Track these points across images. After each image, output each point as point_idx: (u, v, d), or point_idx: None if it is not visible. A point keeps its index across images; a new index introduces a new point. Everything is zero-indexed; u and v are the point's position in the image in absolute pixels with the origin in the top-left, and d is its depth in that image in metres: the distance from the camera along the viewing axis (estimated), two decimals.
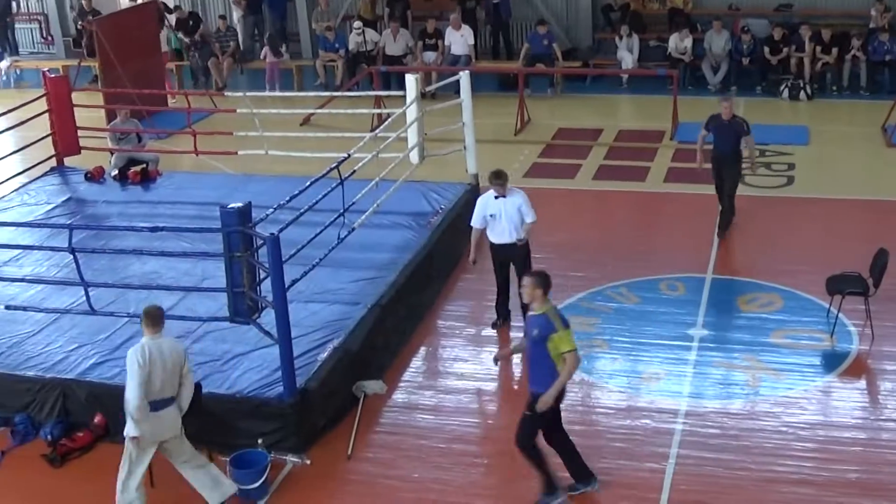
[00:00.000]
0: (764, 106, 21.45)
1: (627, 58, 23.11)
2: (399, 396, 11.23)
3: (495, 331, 12.52)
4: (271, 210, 10.70)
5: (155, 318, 9.15)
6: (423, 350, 12.28)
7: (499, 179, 12.10)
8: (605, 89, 23.11)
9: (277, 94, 20.67)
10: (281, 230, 10.09)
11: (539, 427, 9.27)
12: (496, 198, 12.11)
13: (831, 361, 11.65)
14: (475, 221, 12.29)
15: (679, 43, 22.89)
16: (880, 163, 17.93)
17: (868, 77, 22.14)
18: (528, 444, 9.26)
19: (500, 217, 12.09)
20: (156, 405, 9.01)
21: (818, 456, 10.00)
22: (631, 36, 23.25)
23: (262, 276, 10.30)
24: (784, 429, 10.43)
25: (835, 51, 22.20)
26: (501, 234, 12.15)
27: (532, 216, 12.17)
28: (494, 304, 12.62)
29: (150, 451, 9.17)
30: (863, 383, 11.37)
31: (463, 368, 11.83)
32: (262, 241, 10.03)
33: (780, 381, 11.28)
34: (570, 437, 9.53)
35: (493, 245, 12.31)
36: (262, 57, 24.12)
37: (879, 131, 19.21)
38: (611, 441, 10.38)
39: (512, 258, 12.26)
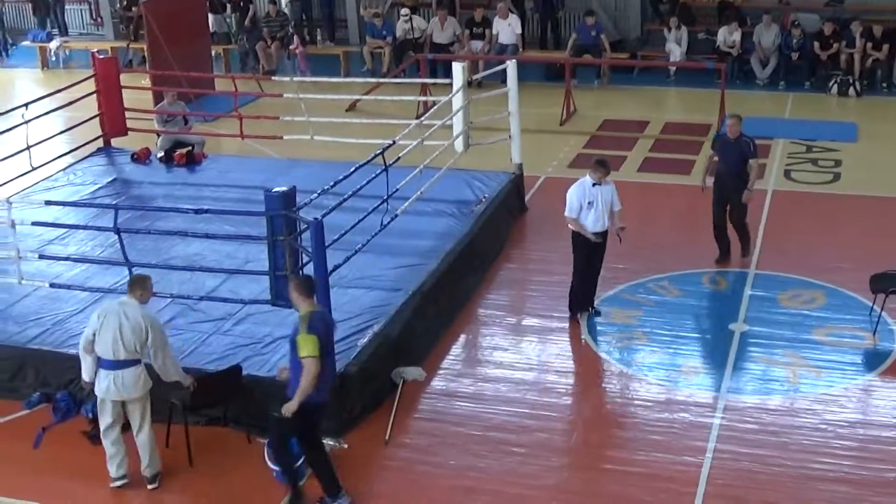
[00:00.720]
0: (812, 101, 21.32)
1: (676, 50, 23.01)
2: (438, 383, 11.26)
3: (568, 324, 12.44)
4: (315, 195, 10.76)
5: (132, 284, 9.58)
6: (463, 338, 12.30)
7: (604, 168, 12.06)
8: (653, 81, 22.98)
9: (324, 79, 20.62)
10: (324, 215, 10.16)
11: (288, 431, 9.16)
12: (594, 185, 12.05)
13: (873, 360, 11.56)
14: (573, 211, 12.04)
15: (728, 36, 22.74)
16: None
17: None
18: (277, 447, 9.26)
19: (597, 204, 12.04)
20: (107, 364, 9.25)
21: (857, 455, 9.93)
22: (680, 28, 23.15)
23: (304, 261, 10.36)
24: (823, 426, 10.36)
25: (886, 47, 21.95)
26: (596, 222, 12.08)
27: (620, 204, 12.20)
28: (573, 297, 12.42)
29: (111, 407, 9.40)
30: None
31: (502, 357, 11.84)
32: (305, 226, 10.09)
33: (821, 379, 11.21)
34: (325, 451, 9.45)
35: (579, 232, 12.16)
36: (291, 47, 24.08)
37: None
38: (648, 434, 10.36)
39: (602, 246, 12.28)
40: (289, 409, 8.91)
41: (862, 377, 11.30)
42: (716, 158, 13.77)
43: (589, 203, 11.99)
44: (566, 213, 12.09)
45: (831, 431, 10.29)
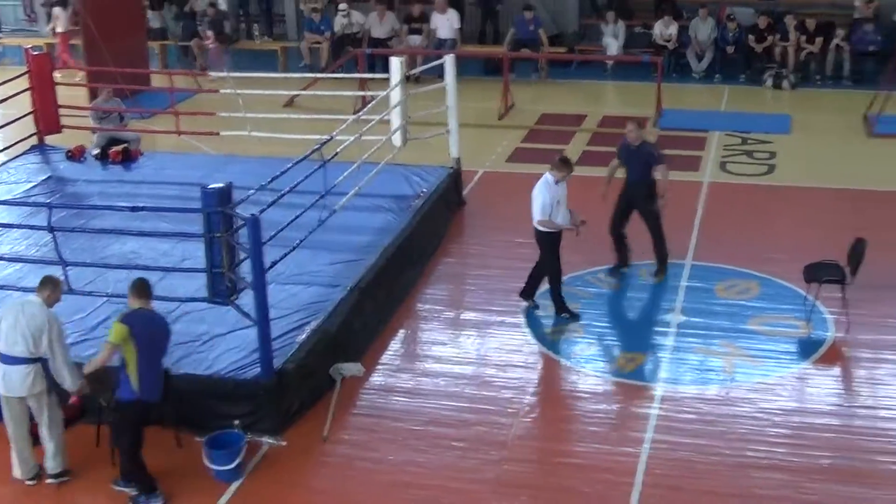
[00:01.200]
0: (747, 94, 21.56)
1: (613, 44, 23.13)
2: (377, 379, 11.25)
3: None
4: (252, 191, 10.70)
5: (42, 283, 9.53)
6: (402, 333, 12.29)
7: (568, 166, 12.11)
8: (590, 75, 23.14)
9: (262, 74, 20.49)
10: (261, 211, 10.09)
11: (128, 427, 9.26)
12: (557, 183, 12.05)
13: (807, 349, 11.71)
14: (546, 212, 11.97)
15: (664, 30, 22.90)
16: (861, 153, 17.99)
17: (851, 67, 22.22)
18: (122, 446, 9.35)
19: (562, 202, 12.10)
20: (3, 358, 9.26)
21: (792, 442, 10.06)
22: (617, 22, 23.26)
23: (241, 258, 10.31)
24: (759, 415, 10.48)
25: (819, 40, 22.26)
26: (565, 219, 12.14)
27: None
28: (558, 299, 12.41)
29: (13, 404, 9.39)
30: (837, 371, 11.44)
31: (441, 352, 11.86)
32: (242, 222, 10.03)
33: (757, 368, 11.34)
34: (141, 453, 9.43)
35: (555, 233, 12.19)
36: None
37: (861, 121, 19.28)
38: (586, 425, 10.45)
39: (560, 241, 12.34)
40: (73, 387, 9.35)
41: (797, 365, 11.44)
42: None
43: (557, 202, 12.03)
44: (539, 216, 12.02)
45: (766, 420, 10.41)
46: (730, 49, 22.53)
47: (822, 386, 11.15)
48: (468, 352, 11.85)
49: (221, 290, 10.26)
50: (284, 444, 10.05)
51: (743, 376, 11.20)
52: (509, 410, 10.69)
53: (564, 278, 12.84)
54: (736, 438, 10.11)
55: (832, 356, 11.58)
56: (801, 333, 12.00)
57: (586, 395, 10.97)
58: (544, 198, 11.95)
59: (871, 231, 12.82)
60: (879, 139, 18.47)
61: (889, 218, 14.85)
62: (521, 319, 12.36)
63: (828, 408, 10.70)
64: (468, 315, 12.64)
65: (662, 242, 13.28)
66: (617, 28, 23.23)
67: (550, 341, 11.96)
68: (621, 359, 11.61)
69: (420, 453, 9.97)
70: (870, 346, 11.68)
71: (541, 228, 12.10)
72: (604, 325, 12.27)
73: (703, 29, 22.78)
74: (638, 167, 13.06)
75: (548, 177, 12.06)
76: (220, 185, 10.14)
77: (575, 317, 12.33)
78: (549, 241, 12.18)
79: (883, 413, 10.52)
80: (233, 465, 9.56)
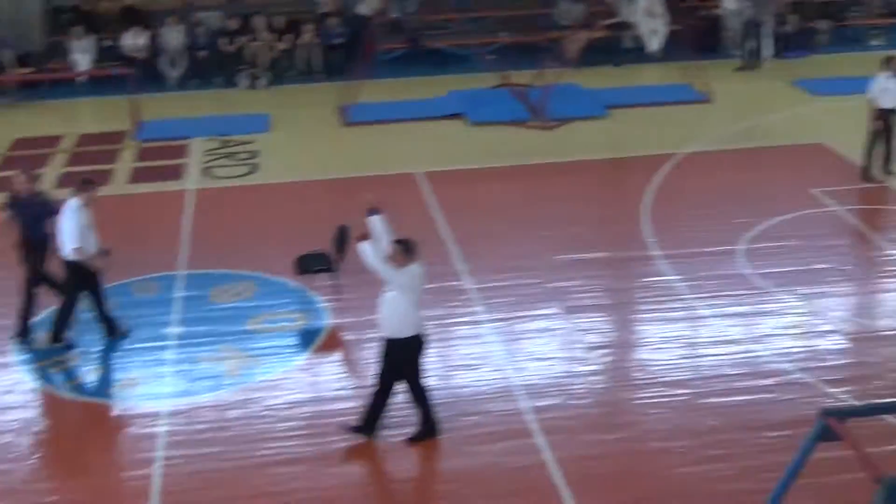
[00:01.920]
0: (224, 97, 21.80)
1: (82, 60, 22.49)
2: None
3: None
4: None
5: None
6: None
7: (92, 187, 11.59)
8: (64, 94, 22.33)
9: None
10: None
11: None
12: (83, 206, 11.43)
13: (307, 339, 12.00)
14: (77, 239, 11.31)
15: (134, 41, 22.57)
16: (338, 142, 18.72)
17: (322, 60, 22.98)
18: None
19: (92, 227, 11.55)
20: None
21: (302, 433, 10.24)
22: (85, 37, 22.63)
23: None
24: (267, 413, 10.58)
25: (289, 37, 22.85)
26: (95, 242, 11.60)
27: None
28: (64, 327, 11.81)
29: None
30: (338, 355, 11.79)
31: None
32: None
33: (261, 366, 11.44)
34: None
35: (81, 261, 11.53)
36: None
37: (336, 112, 19.99)
38: (95, 455, 10.11)
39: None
40: None
41: (299, 357, 11.68)
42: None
43: (87, 227, 11.47)
44: (73, 245, 11.35)
45: (275, 416, 10.52)
46: (202, 54, 22.60)
47: (327, 373, 11.45)
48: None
49: None
50: None
51: (248, 377, 11.26)
52: (11, 456, 10.09)
53: (49, 309, 12.32)
54: (247, 440, 10.14)
55: (331, 342, 11.94)
56: (299, 326, 12.24)
57: (91, 425, 10.62)
58: (74, 224, 11.38)
59: (354, 216, 13.27)
60: (353, 127, 19.29)
61: None
62: (12, 358, 11.71)
63: (334, 393, 10.98)
64: None
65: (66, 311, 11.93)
66: (86, 43, 22.60)
67: (46, 375, 11.43)
68: (123, 381, 11.30)
69: None
70: (365, 327, 12.03)
71: (72, 258, 11.49)
72: (101, 349, 11.87)
73: (173, 36, 22.69)
74: (31, 222, 11.89)
75: (73, 202, 11.48)
76: None
77: (69, 346, 11.85)
78: (77, 270, 11.62)
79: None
80: None
